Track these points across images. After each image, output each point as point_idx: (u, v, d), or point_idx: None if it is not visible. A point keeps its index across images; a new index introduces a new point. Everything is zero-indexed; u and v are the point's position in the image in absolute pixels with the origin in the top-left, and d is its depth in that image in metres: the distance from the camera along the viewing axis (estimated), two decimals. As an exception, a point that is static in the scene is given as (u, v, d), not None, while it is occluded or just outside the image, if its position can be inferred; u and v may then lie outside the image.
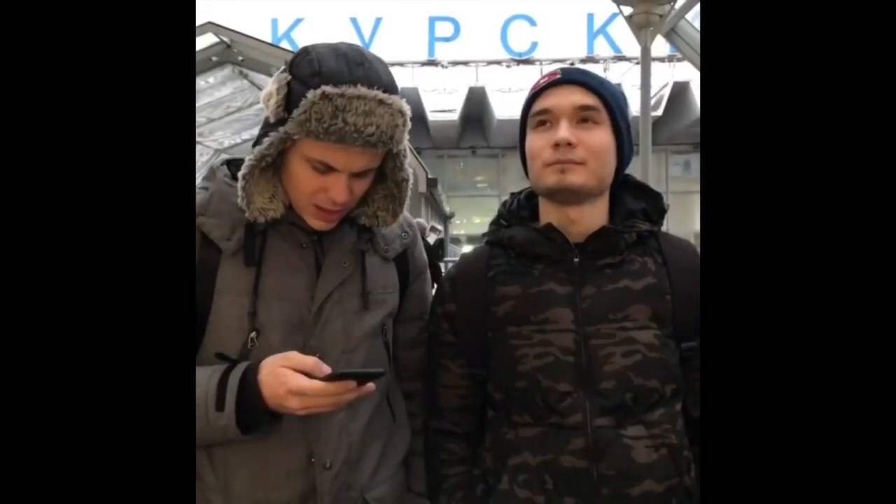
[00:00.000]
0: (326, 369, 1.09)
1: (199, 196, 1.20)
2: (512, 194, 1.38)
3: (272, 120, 1.13)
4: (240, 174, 1.14)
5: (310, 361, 1.09)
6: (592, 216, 1.25)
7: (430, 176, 10.57)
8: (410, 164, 1.26)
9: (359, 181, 1.18)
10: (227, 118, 9.26)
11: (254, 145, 1.16)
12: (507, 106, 16.44)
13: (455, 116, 15.85)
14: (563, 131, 1.19)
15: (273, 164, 1.18)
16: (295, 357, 1.10)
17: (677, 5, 5.39)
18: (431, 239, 9.17)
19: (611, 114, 1.23)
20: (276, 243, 1.20)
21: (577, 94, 1.21)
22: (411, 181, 1.25)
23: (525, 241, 1.26)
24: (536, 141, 1.24)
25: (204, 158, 9.50)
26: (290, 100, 1.10)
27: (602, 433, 1.16)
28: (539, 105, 1.25)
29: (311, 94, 1.07)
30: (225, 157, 1.31)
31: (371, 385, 1.10)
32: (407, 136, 1.18)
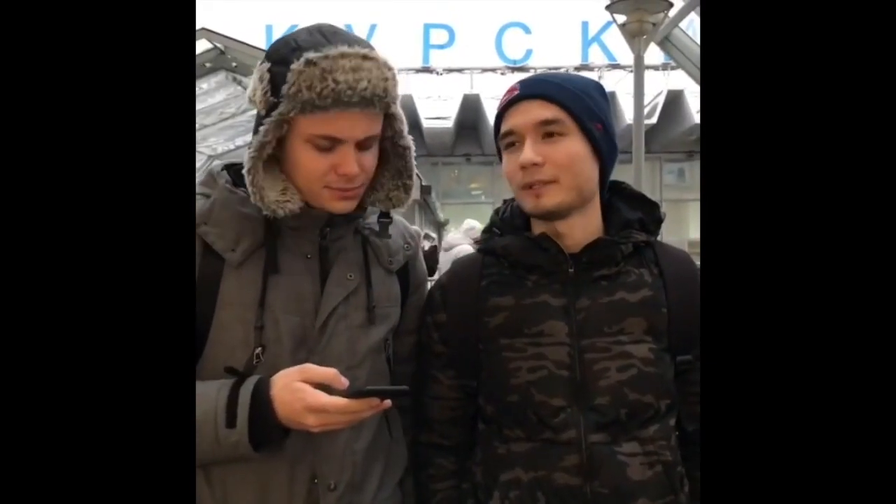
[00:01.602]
0: (345, 381, 1.05)
1: (199, 203, 1.16)
2: (505, 201, 1.35)
3: (263, 111, 1.09)
4: (244, 171, 1.10)
5: (329, 373, 1.05)
6: (584, 226, 1.23)
7: (424, 183, 10.55)
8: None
9: (365, 155, 1.13)
10: (221, 124, 9.25)
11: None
12: (501, 113, 16.39)
13: (449, 124, 15.85)
14: (528, 152, 1.16)
15: (276, 159, 1.14)
16: (312, 370, 1.06)
17: (671, 14, 5.41)
18: (426, 246, 9.15)
19: (577, 120, 1.18)
20: (281, 255, 1.16)
21: (537, 109, 1.18)
22: (413, 149, 1.22)
23: (519, 250, 1.23)
24: (509, 164, 1.22)
25: (198, 164, 9.48)
26: (275, 84, 1.07)
27: (596, 450, 1.14)
28: (505, 126, 1.22)
29: (295, 65, 1.04)
30: (220, 162, 1.26)
31: (388, 402, 1.06)
32: (399, 98, 1.15)
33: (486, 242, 1.31)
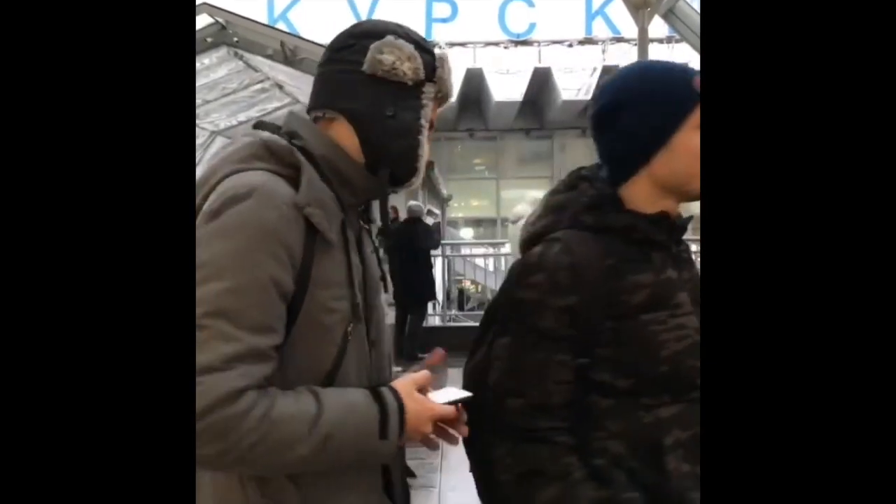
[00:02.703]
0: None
1: (284, 183, 1.08)
2: (579, 178, 1.33)
3: (410, 81, 1.14)
4: (420, 136, 1.16)
5: (429, 377, 1.12)
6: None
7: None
8: None
9: None
10: (223, 100, 9.18)
11: (379, 107, 1.15)
12: (504, 88, 16.31)
13: (452, 98, 15.78)
14: None
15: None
16: (420, 377, 1.12)
17: (676, -14, 5.35)
18: (430, 221, 9.13)
19: None
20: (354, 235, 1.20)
21: None
22: None
23: (647, 229, 1.26)
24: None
25: (200, 140, 9.44)
26: (425, 66, 1.15)
27: None
28: None
29: (439, 52, 1.18)
30: (295, 142, 1.22)
31: None
32: None
33: (599, 221, 1.27)
